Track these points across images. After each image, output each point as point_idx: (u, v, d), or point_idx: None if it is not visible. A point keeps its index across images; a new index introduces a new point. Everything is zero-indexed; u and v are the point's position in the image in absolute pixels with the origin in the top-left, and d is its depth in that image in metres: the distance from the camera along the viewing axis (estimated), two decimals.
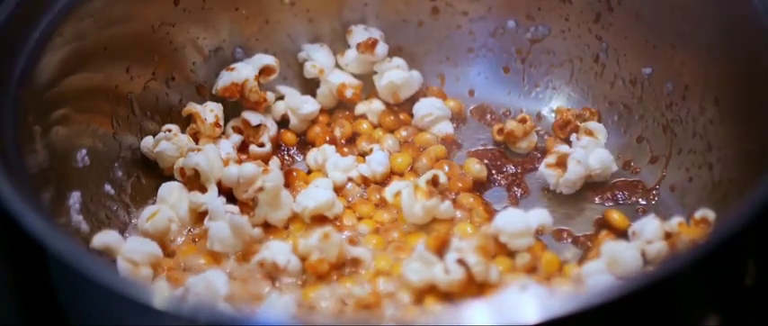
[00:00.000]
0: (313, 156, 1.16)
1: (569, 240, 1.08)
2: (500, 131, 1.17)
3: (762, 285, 0.98)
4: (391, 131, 1.20)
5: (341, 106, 1.22)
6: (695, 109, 1.11)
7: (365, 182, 1.14)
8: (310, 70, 1.22)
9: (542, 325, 0.79)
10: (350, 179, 1.14)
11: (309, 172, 1.16)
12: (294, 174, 1.14)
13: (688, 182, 1.10)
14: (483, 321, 0.81)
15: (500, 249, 1.02)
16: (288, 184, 1.11)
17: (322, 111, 1.22)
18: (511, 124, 1.17)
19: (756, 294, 0.99)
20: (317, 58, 1.22)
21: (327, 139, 1.19)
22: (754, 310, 1.00)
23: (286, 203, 1.07)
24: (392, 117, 1.21)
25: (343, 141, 1.19)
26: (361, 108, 1.21)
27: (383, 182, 1.14)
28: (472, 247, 0.97)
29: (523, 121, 1.17)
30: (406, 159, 1.16)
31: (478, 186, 1.14)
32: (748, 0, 1.03)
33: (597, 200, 1.12)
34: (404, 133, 1.20)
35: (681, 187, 1.10)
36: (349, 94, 1.20)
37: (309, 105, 1.20)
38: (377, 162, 1.14)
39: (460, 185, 1.12)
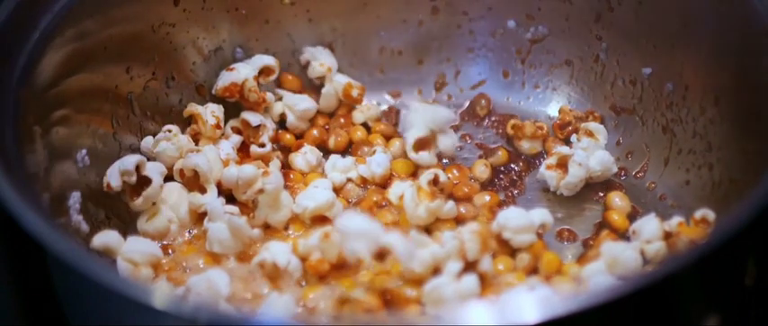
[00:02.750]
0: (298, 158, 1.16)
1: (570, 240, 1.08)
2: (513, 126, 1.18)
3: (762, 284, 0.98)
4: (389, 138, 1.20)
5: (338, 115, 1.22)
6: (695, 109, 1.11)
7: (364, 183, 1.14)
8: (318, 69, 1.21)
9: (542, 325, 0.79)
10: (349, 180, 1.14)
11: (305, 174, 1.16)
12: (291, 176, 1.14)
13: (688, 182, 1.10)
14: (483, 320, 0.81)
15: (502, 249, 1.02)
16: (286, 185, 1.11)
17: (322, 114, 1.22)
18: (527, 123, 1.17)
19: (756, 294, 0.99)
20: (322, 58, 1.22)
21: (324, 139, 1.19)
22: (754, 310, 1.00)
23: (286, 205, 1.07)
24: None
25: (337, 149, 1.18)
26: (358, 116, 1.21)
27: (382, 184, 1.13)
28: (471, 229, 0.98)
29: (541, 127, 1.17)
30: (409, 164, 1.16)
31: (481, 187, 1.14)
32: (748, 0, 1.03)
33: (597, 200, 1.12)
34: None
35: (681, 187, 1.10)
36: (355, 93, 1.20)
37: (306, 102, 1.20)
38: (377, 163, 1.14)
39: (466, 190, 1.12)
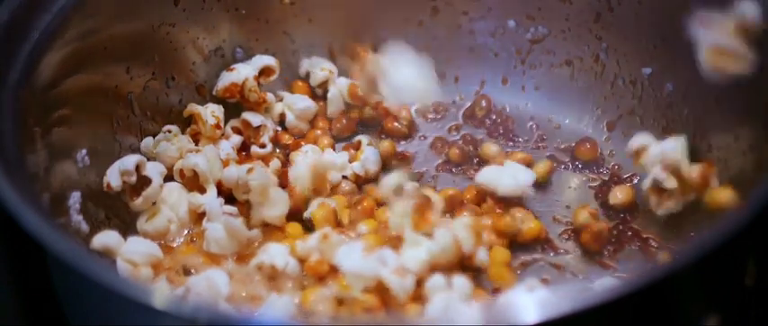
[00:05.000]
0: (297, 157, 1.16)
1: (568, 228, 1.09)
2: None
3: (762, 284, 0.98)
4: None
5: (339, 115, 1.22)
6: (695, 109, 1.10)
7: (358, 180, 1.14)
8: (320, 74, 1.21)
9: (542, 325, 0.79)
10: (345, 178, 1.14)
11: None
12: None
13: None
14: (482, 321, 0.81)
15: (499, 238, 1.03)
16: (286, 185, 1.11)
17: (323, 117, 1.22)
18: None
19: (756, 294, 0.99)
20: (322, 64, 1.22)
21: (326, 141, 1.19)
22: (754, 310, 1.00)
23: (279, 200, 1.07)
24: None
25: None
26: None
27: (377, 180, 1.13)
28: (463, 223, 0.99)
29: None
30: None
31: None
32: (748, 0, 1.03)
33: (597, 199, 1.12)
34: None
35: None
36: (361, 92, 1.20)
37: (305, 102, 1.20)
38: (371, 161, 1.14)
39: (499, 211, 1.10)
